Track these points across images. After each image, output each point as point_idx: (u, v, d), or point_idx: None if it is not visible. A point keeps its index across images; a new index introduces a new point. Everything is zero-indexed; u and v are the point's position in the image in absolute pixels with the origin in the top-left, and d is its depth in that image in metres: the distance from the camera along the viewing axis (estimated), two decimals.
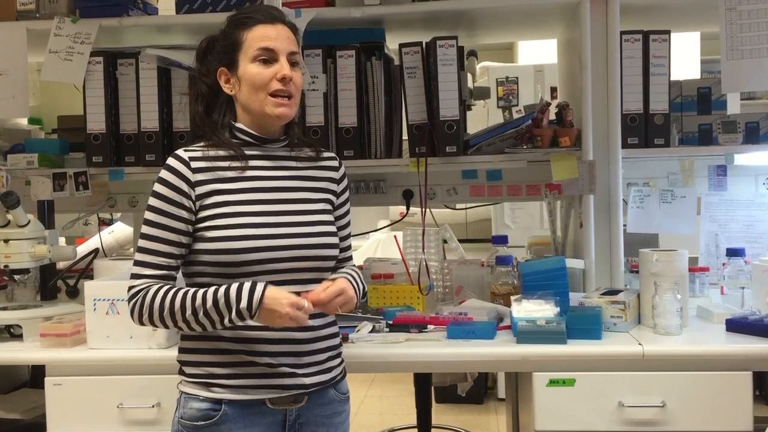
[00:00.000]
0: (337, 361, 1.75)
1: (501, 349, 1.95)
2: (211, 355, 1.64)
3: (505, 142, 2.39)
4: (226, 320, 1.56)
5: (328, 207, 1.75)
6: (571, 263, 2.28)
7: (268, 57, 1.64)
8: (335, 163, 1.81)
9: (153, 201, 1.63)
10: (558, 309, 1.99)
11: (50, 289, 2.45)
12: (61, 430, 1.97)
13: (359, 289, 1.71)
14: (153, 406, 1.94)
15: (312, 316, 1.67)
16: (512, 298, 2.07)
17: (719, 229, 2.47)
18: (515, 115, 2.65)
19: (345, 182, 1.82)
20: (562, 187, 2.35)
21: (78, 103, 2.51)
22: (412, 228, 2.51)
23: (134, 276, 1.63)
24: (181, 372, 1.69)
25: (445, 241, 2.62)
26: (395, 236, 2.54)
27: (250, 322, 1.58)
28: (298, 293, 1.58)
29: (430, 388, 3.37)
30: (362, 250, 4.55)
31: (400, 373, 3.98)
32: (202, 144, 1.69)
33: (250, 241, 1.60)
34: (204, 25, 1.79)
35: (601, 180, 2.32)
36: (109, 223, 3.34)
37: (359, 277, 1.76)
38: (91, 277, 2.25)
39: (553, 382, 1.88)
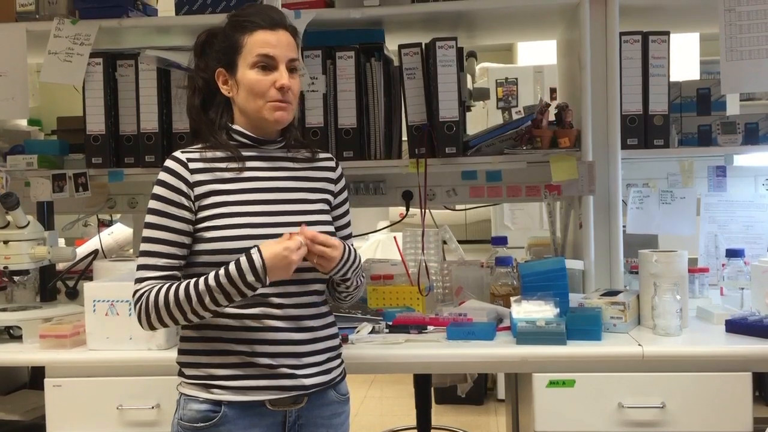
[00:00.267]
0: (337, 362, 1.75)
1: (501, 350, 1.95)
2: (211, 357, 1.64)
3: (504, 143, 2.39)
4: (237, 298, 1.57)
5: (326, 207, 1.76)
6: (571, 264, 2.28)
7: (267, 64, 1.64)
8: (332, 164, 1.81)
9: (153, 203, 1.64)
10: (558, 310, 1.99)
11: (50, 291, 2.45)
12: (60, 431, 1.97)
13: (350, 261, 1.70)
14: (153, 408, 1.94)
15: (312, 318, 1.68)
16: (512, 299, 2.07)
17: (719, 230, 2.47)
18: (515, 116, 2.66)
19: (342, 182, 1.82)
20: (562, 187, 2.35)
21: (77, 104, 2.51)
22: (412, 229, 2.52)
23: (138, 280, 1.63)
24: (180, 373, 1.69)
25: (444, 242, 2.62)
26: (395, 237, 2.54)
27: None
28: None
29: (430, 389, 3.37)
30: (362, 251, 4.54)
31: (400, 374, 3.98)
32: (199, 146, 1.70)
33: (248, 241, 1.60)
34: (203, 26, 1.79)
35: (600, 181, 2.32)
36: (109, 224, 3.33)
37: (358, 258, 1.75)
38: (91, 279, 2.25)
39: (552, 383, 1.88)
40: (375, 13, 2.36)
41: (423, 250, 2.39)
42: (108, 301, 1.98)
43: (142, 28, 2.52)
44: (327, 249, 1.61)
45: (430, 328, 2.10)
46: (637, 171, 2.54)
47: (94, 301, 2.00)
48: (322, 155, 1.81)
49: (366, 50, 2.41)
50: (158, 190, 1.64)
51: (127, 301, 1.93)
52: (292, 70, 1.67)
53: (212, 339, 1.64)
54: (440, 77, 2.32)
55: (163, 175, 1.65)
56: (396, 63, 2.44)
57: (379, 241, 4.62)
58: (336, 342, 1.76)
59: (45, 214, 2.46)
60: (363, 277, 1.83)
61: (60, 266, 2.53)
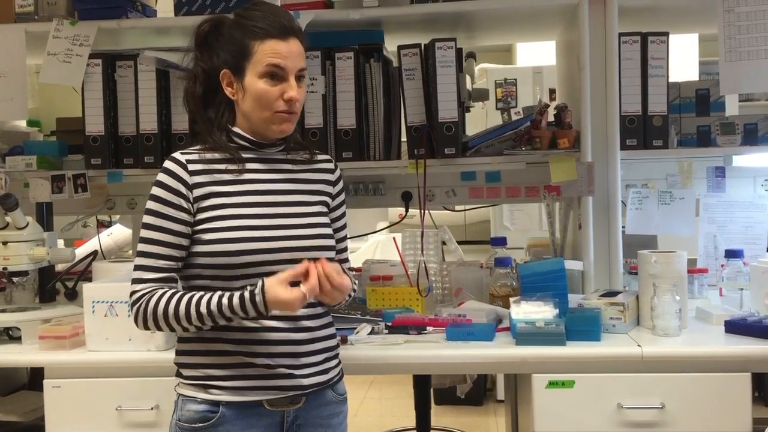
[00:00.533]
0: (335, 362, 1.76)
1: (500, 350, 1.95)
2: (209, 357, 1.64)
3: (503, 143, 2.39)
4: (236, 323, 1.60)
5: (324, 209, 1.76)
6: (570, 265, 2.28)
7: (276, 74, 1.63)
8: (330, 165, 1.81)
9: (151, 204, 1.63)
10: (557, 310, 1.99)
11: (49, 292, 2.45)
12: None
13: (351, 295, 1.74)
14: (152, 409, 1.94)
15: (309, 318, 1.68)
16: (511, 299, 2.07)
17: (718, 231, 2.47)
18: (514, 117, 2.66)
19: (341, 184, 1.82)
20: (561, 188, 2.35)
21: (77, 105, 2.50)
22: (411, 230, 2.52)
23: (136, 281, 1.63)
24: (178, 374, 1.69)
25: (444, 243, 2.62)
26: (394, 238, 2.55)
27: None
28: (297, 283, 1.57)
29: (430, 390, 3.37)
30: (361, 252, 4.55)
31: (399, 374, 3.98)
32: (198, 147, 1.69)
33: (246, 244, 1.60)
34: None
35: (599, 181, 2.32)
36: (108, 225, 3.33)
37: (354, 282, 1.79)
38: (90, 280, 2.25)
39: (552, 384, 1.88)
40: (374, 13, 2.36)
41: (422, 250, 2.39)
42: (107, 302, 1.98)
43: (141, 29, 2.52)
44: (336, 294, 1.59)
45: (430, 328, 2.10)
46: (636, 172, 2.54)
47: (93, 302, 1.99)
48: (320, 157, 1.81)
49: (365, 51, 2.41)
50: (157, 191, 1.64)
51: (126, 302, 1.93)
52: (299, 78, 1.66)
53: (210, 339, 1.64)
54: (439, 78, 2.32)
55: (161, 177, 1.64)
56: (395, 64, 2.44)
57: (378, 242, 4.62)
58: (334, 342, 1.76)
59: (44, 215, 2.45)
60: (356, 285, 1.83)
61: (59, 267, 2.53)
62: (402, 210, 2.65)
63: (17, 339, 2.14)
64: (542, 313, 1.97)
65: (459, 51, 2.40)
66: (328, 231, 1.73)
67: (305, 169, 1.76)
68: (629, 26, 2.36)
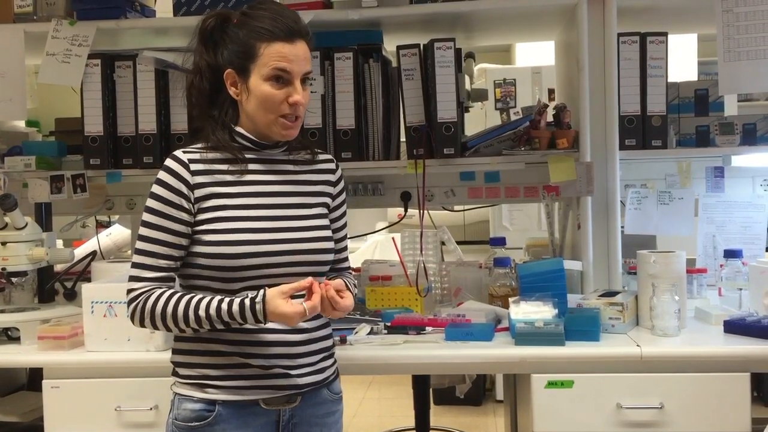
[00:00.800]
0: (330, 361, 1.76)
1: (499, 350, 1.95)
2: (205, 357, 1.64)
3: (502, 143, 2.39)
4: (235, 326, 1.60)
5: (324, 211, 1.75)
6: (569, 265, 2.28)
7: (282, 77, 1.62)
8: (332, 166, 1.81)
9: (151, 203, 1.63)
10: (556, 311, 1.99)
11: (48, 292, 2.45)
12: None
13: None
14: (151, 409, 1.94)
15: (307, 319, 1.67)
16: (510, 299, 2.07)
17: (717, 231, 2.47)
18: (513, 117, 2.65)
19: (341, 185, 1.82)
20: (560, 188, 2.35)
21: (75, 105, 2.50)
22: (410, 230, 2.51)
23: (133, 279, 1.62)
24: (174, 373, 1.69)
25: (443, 243, 2.62)
26: (393, 238, 2.54)
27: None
28: (301, 295, 1.58)
29: (429, 390, 3.37)
30: (360, 252, 4.55)
31: (399, 375, 3.98)
32: (200, 145, 1.68)
33: (246, 247, 1.60)
34: None
35: (598, 181, 2.32)
36: (107, 225, 3.33)
37: (354, 285, 1.80)
38: (89, 280, 2.25)
39: (551, 384, 1.88)
40: (373, 14, 2.36)
41: (421, 250, 2.39)
42: (106, 302, 1.98)
43: (140, 29, 2.52)
44: (338, 314, 1.61)
45: (429, 329, 2.10)
46: (635, 172, 2.54)
47: (92, 302, 1.99)
48: (322, 156, 1.80)
49: (364, 51, 2.41)
50: (158, 189, 1.63)
51: (125, 303, 1.93)
52: (305, 81, 1.66)
53: (206, 339, 1.64)
54: (438, 78, 2.32)
55: (163, 175, 1.63)
56: (394, 64, 2.44)
57: (377, 242, 4.62)
58: (329, 342, 1.76)
59: (43, 216, 2.45)
60: (356, 289, 1.84)
61: (58, 267, 2.53)
62: (401, 210, 2.65)
63: (16, 339, 2.14)
64: (541, 313, 1.97)
65: (458, 51, 2.40)
66: (327, 233, 1.73)
67: (306, 170, 1.75)
68: (628, 26, 2.36)
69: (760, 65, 2.22)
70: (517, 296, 2.11)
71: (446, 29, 2.53)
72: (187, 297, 1.59)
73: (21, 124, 3.03)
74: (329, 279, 1.76)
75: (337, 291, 1.59)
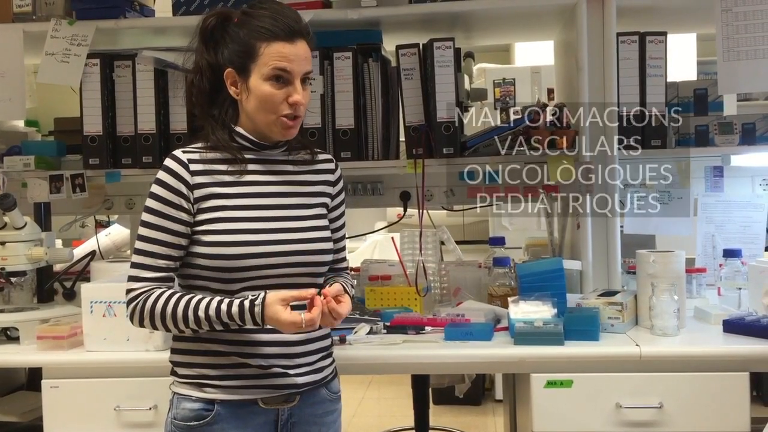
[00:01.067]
0: (329, 360, 1.76)
1: (498, 350, 1.95)
2: (204, 357, 1.64)
3: (502, 143, 2.39)
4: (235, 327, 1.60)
5: (323, 211, 1.75)
6: (569, 264, 2.28)
7: (282, 77, 1.61)
8: (331, 165, 1.80)
9: (151, 203, 1.63)
10: (555, 310, 1.99)
11: (47, 292, 2.45)
12: None
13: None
14: (150, 409, 1.94)
15: None
16: (509, 299, 2.07)
17: (716, 230, 2.47)
18: (512, 117, 2.65)
19: (341, 185, 1.82)
20: (560, 188, 2.35)
21: (75, 105, 2.50)
22: (410, 229, 2.51)
23: (132, 279, 1.62)
24: (173, 373, 1.69)
25: (442, 243, 2.62)
26: (392, 238, 2.54)
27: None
28: (302, 306, 1.57)
29: (428, 390, 3.37)
30: (360, 252, 4.55)
31: (398, 374, 3.97)
32: (199, 145, 1.68)
33: (245, 248, 1.60)
34: None
35: (598, 181, 2.31)
36: (106, 225, 3.34)
37: (351, 287, 1.80)
38: (88, 280, 2.25)
39: (550, 384, 1.88)
40: (372, 13, 2.36)
41: (421, 250, 2.39)
42: (105, 302, 1.98)
43: (139, 28, 2.52)
44: (336, 322, 1.60)
45: (428, 328, 2.09)
46: (635, 172, 2.53)
47: (91, 302, 1.99)
48: (321, 156, 1.80)
49: (363, 51, 2.41)
50: (157, 189, 1.63)
51: (124, 303, 1.93)
52: (305, 80, 1.65)
53: (205, 339, 1.64)
54: (438, 78, 2.32)
55: (163, 175, 1.63)
56: (393, 64, 2.44)
57: (376, 242, 4.62)
58: (327, 342, 1.76)
59: (42, 215, 2.46)
60: (353, 290, 1.84)
61: (57, 267, 2.52)
62: (400, 210, 2.65)
63: (15, 339, 2.14)
64: (541, 313, 1.98)
65: (457, 51, 2.40)
66: (326, 234, 1.73)
67: (306, 171, 1.75)
68: (627, 26, 2.36)
69: (759, 65, 2.22)
70: (516, 296, 2.10)
71: (445, 29, 2.53)
72: (186, 297, 1.59)
73: (20, 123, 3.03)
74: (327, 280, 1.77)
75: (335, 296, 1.59)
